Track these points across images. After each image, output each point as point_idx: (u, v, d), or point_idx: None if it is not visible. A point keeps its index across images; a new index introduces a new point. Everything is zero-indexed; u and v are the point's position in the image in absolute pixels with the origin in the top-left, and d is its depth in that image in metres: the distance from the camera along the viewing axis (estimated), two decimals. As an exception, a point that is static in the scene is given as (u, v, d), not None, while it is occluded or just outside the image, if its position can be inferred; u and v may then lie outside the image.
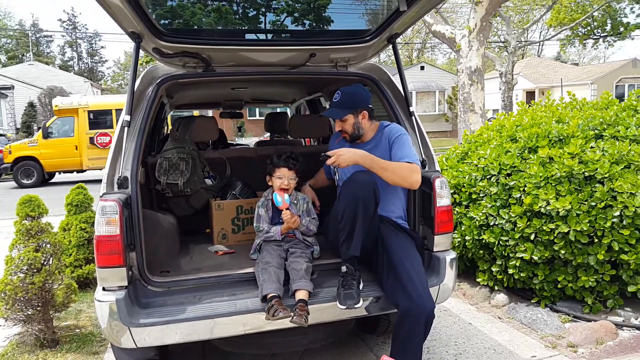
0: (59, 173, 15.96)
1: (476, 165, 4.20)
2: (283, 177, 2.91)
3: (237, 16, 3.05)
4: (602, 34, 26.32)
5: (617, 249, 3.31)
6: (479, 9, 8.95)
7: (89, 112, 15.03)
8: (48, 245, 3.42)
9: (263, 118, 7.25)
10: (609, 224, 3.30)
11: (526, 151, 3.95)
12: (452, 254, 2.83)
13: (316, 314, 2.50)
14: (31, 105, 28.78)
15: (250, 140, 20.45)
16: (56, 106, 15.04)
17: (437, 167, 2.96)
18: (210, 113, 11.15)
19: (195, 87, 4.06)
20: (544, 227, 3.48)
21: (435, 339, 3.46)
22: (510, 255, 3.73)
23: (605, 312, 3.59)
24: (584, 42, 28.80)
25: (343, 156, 2.64)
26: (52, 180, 16.25)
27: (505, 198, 3.81)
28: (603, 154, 3.53)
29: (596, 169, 3.44)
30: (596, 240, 3.38)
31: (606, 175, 3.40)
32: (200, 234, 3.70)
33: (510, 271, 3.76)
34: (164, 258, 3.02)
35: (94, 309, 4.12)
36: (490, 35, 15.15)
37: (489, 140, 4.47)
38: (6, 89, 28.73)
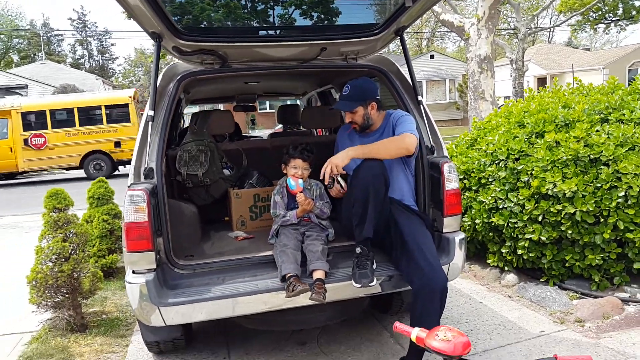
0: None
1: (485, 151, 4.30)
2: (297, 167, 3.06)
3: (252, 14, 3.19)
4: (613, 18, 26.01)
5: (622, 228, 3.41)
6: (487, -3, 8.97)
7: (22, 113, 14.99)
8: (75, 236, 3.61)
9: (273, 111, 7.39)
10: (614, 204, 3.40)
11: (533, 136, 4.05)
12: (461, 235, 2.97)
13: (332, 293, 2.64)
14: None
15: (262, 133, 20.48)
16: None
17: (446, 153, 3.10)
18: (221, 107, 11.30)
19: (211, 83, 4.20)
20: (552, 209, 3.59)
21: (446, 317, 3.59)
22: (519, 236, 3.85)
23: (612, 289, 3.70)
24: (595, 26, 28.47)
25: (335, 160, 2.73)
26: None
27: (513, 182, 3.92)
28: (608, 137, 3.63)
29: (601, 152, 3.54)
30: (602, 220, 3.49)
31: (611, 158, 3.50)
32: (220, 222, 3.85)
33: (520, 252, 3.88)
34: (187, 244, 3.18)
35: (119, 297, 4.36)
36: (499, 23, 15.08)
37: (497, 126, 4.56)
38: (20, 88, 29.14)
